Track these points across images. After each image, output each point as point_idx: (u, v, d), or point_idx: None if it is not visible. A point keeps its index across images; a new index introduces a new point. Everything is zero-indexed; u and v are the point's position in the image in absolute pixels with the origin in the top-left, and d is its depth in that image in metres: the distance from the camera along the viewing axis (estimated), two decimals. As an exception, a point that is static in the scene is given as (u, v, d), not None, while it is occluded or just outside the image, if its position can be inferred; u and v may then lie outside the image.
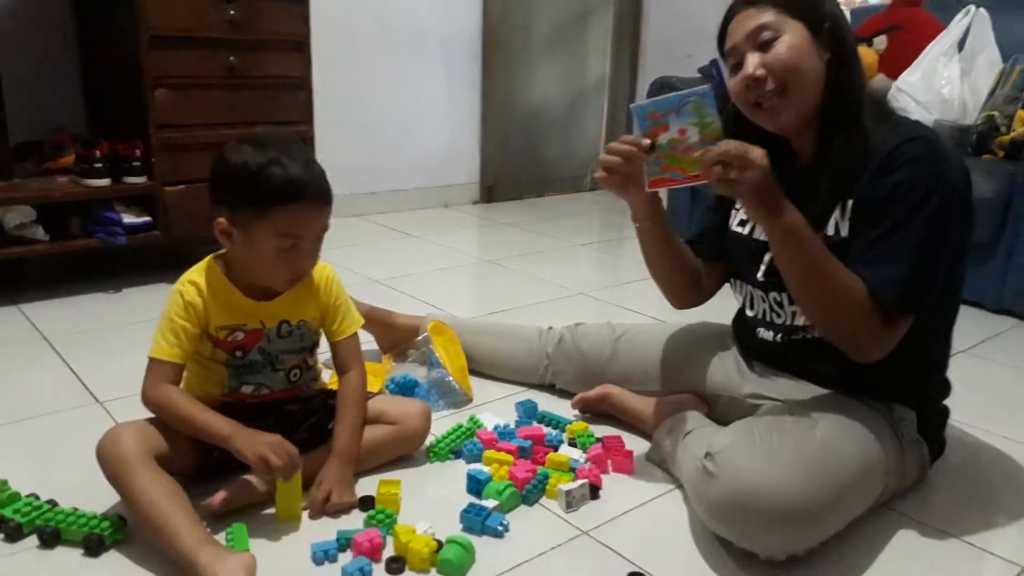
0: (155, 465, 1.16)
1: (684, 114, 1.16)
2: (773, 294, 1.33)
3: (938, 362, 1.36)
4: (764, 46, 1.22)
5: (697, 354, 1.55)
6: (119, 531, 1.16)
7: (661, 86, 3.32)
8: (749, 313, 1.41)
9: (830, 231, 1.23)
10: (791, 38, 1.21)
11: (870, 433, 1.22)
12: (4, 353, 1.86)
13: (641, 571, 1.14)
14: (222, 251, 1.30)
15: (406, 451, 1.41)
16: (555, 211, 3.73)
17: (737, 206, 1.43)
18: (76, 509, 1.19)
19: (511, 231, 3.32)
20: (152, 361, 1.25)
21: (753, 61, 1.22)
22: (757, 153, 1.10)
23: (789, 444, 1.16)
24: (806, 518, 1.11)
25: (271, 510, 1.24)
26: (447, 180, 3.68)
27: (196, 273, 1.28)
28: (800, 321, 1.30)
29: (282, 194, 1.20)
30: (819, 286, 1.17)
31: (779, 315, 1.34)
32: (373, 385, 1.58)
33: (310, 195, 1.22)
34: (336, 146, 3.02)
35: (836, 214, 1.23)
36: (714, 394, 1.50)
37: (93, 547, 1.13)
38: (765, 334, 1.38)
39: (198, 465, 1.28)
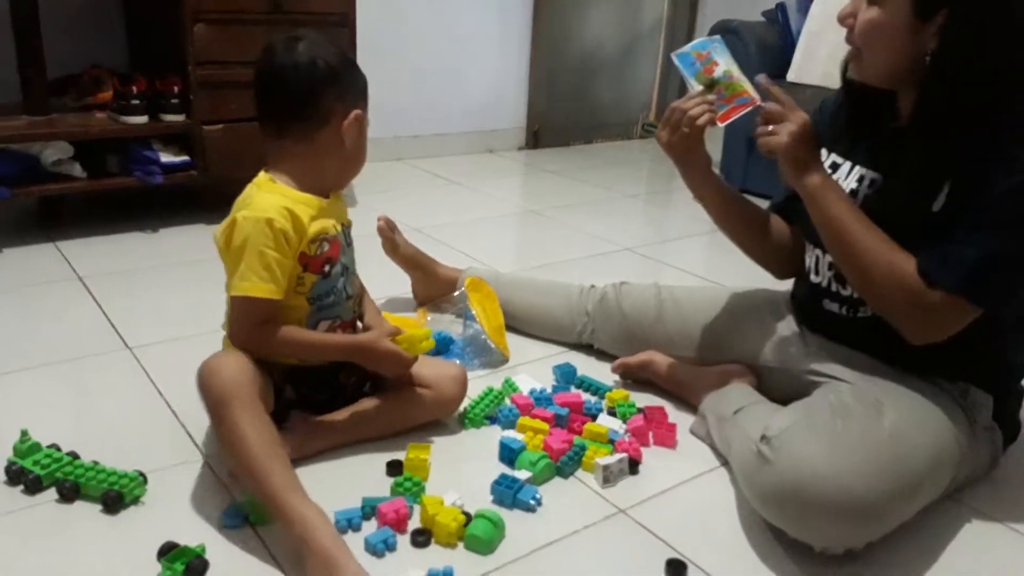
0: (261, 408, 1.09)
1: (716, 52, 1.26)
2: None
3: (1020, 342, 1.24)
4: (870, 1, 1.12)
5: (749, 322, 1.45)
6: (139, 488, 1.13)
7: (722, 30, 3.13)
8: (814, 279, 1.30)
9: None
10: (880, 14, 1.10)
11: (943, 420, 1.12)
12: (38, 291, 1.84)
13: (681, 558, 1.07)
14: (265, 169, 1.22)
15: (440, 416, 1.35)
16: (603, 159, 3.59)
17: (821, 159, 1.32)
18: (96, 463, 1.16)
19: (556, 179, 3.20)
20: (243, 300, 1.14)
21: (847, 8, 1.15)
22: (795, 116, 1.15)
23: (855, 430, 1.06)
24: (870, 511, 1.02)
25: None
26: (492, 125, 3.56)
27: (270, 194, 1.17)
28: None
29: (364, 84, 1.24)
30: (850, 255, 1.14)
31: (845, 286, 1.23)
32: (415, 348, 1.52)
33: None
34: (379, 87, 2.86)
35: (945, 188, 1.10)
36: (766, 366, 1.40)
37: (112, 504, 1.10)
38: (830, 305, 1.27)
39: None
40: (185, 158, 2.27)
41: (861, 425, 1.07)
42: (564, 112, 3.72)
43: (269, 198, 1.17)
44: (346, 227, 1.29)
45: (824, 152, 1.32)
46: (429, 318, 1.75)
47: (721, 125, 1.26)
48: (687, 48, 1.27)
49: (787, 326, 1.40)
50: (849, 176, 1.26)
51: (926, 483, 1.08)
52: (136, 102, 2.17)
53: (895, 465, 1.04)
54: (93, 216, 2.35)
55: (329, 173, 1.24)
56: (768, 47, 3.01)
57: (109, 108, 2.25)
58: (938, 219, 1.09)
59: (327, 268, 1.22)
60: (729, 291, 1.53)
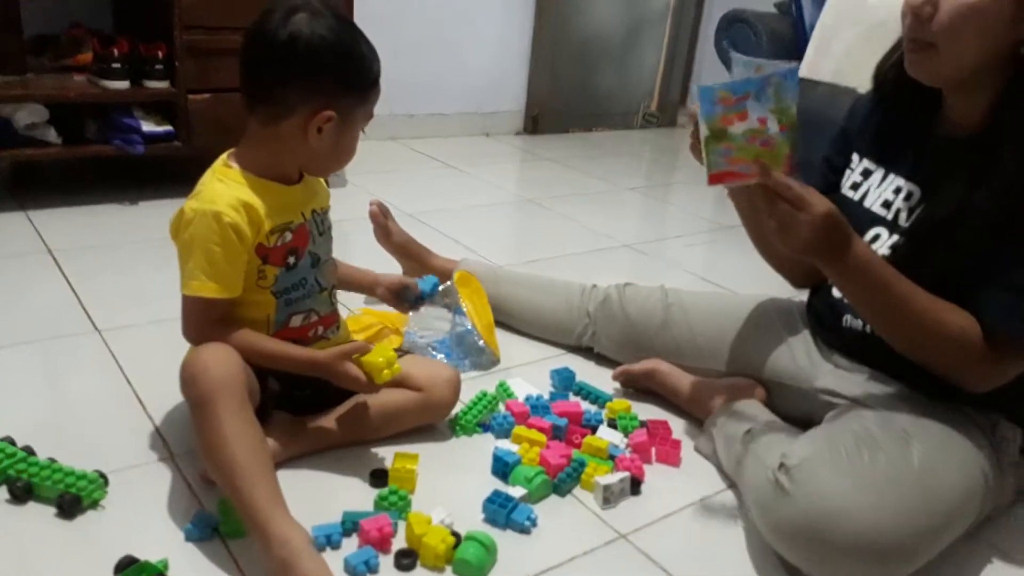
0: (249, 410, 0.99)
1: (764, 99, 0.97)
2: None
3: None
4: None
5: (762, 333, 1.36)
6: (99, 491, 1.03)
7: (731, 20, 3.04)
8: (837, 294, 1.22)
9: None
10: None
11: (972, 453, 1.04)
12: (3, 264, 1.72)
13: (687, 592, 0.99)
14: (229, 150, 1.11)
15: (430, 421, 1.26)
16: (603, 148, 3.49)
17: (852, 165, 1.23)
18: (53, 461, 1.06)
19: (554, 168, 3.10)
20: (192, 300, 1.05)
21: None
22: (817, 201, 0.96)
23: (881, 463, 0.98)
24: (897, 552, 0.94)
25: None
26: (490, 107, 3.44)
27: (222, 182, 1.06)
28: None
29: (373, 69, 1.08)
30: (902, 324, 1.05)
31: None
32: (394, 342, 1.42)
33: (378, 63, 1.10)
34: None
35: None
36: (777, 382, 1.32)
37: (68, 508, 1.00)
38: (853, 322, 1.19)
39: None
40: (168, 128, 2.15)
41: (888, 457, 0.99)
42: (565, 97, 3.60)
43: (220, 188, 1.05)
44: (319, 213, 1.17)
45: (856, 157, 1.23)
46: (411, 314, 1.65)
47: (707, 185, 1.02)
48: (718, 84, 0.98)
49: (802, 340, 1.32)
50: (883, 185, 1.17)
51: (955, 520, 1.01)
52: (117, 66, 2.05)
53: (925, 502, 0.97)
54: (68, 185, 2.23)
55: (291, 165, 1.12)
56: (780, 39, 2.91)
57: (88, 71, 2.12)
58: (989, 243, 1.01)
59: (291, 260, 1.11)
60: (740, 299, 1.45)
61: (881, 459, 0.99)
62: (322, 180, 1.21)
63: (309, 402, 1.19)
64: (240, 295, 1.08)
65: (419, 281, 1.36)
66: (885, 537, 0.93)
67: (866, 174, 1.20)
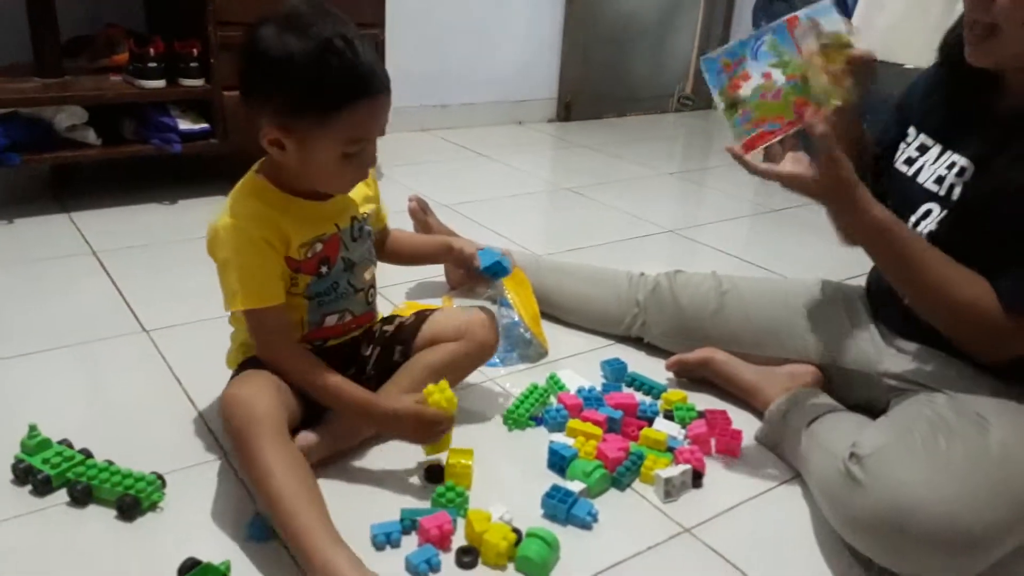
0: (288, 440, 0.98)
1: (762, 56, 0.99)
2: None
3: None
4: None
5: (821, 317, 1.32)
6: (157, 492, 1.03)
7: (759, 7, 2.96)
8: None
9: None
10: None
11: None
12: (51, 267, 1.73)
13: (757, 587, 0.96)
14: (261, 159, 1.10)
15: (477, 365, 1.28)
16: (637, 134, 3.43)
17: (908, 139, 1.19)
18: (110, 463, 1.06)
19: (590, 154, 3.05)
20: (247, 316, 1.06)
21: None
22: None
23: (959, 450, 0.94)
24: (977, 543, 0.90)
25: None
26: (522, 95, 3.40)
27: (250, 198, 1.06)
28: None
29: (347, 94, 0.97)
30: (924, 289, 1.03)
31: None
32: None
33: (376, 86, 0.99)
34: (406, 54, 2.77)
35: None
36: (839, 367, 1.28)
37: (128, 510, 1.00)
38: (916, 305, 1.15)
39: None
40: (204, 125, 2.14)
41: (965, 444, 0.95)
42: (598, 83, 3.55)
43: (249, 204, 1.05)
44: (356, 221, 1.15)
45: (912, 131, 1.19)
46: (455, 303, 1.63)
47: (744, 154, 1.00)
48: (716, 52, 1.01)
49: (864, 324, 1.27)
50: (938, 161, 1.12)
51: None
52: (153, 65, 2.04)
53: (1006, 490, 0.92)
54: (108, 185, 2.23)
55: (310, 181, 1.06)
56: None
57: (125, 71, 2.12)
58: None
59: (323, 269, 1.11)
60: (797, 283, 1.40)
61: (958, 446, 0.95)
62: (370, 179, 1.18)
63: (371, 382, 1.19)
64: None
65: (480, 253, 1.34)
66: (965, 527, 0.89)
67: (922, 149, 1.16)
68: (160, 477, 1.04)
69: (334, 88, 0.97)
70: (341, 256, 1.12)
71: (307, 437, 1.08)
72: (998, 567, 0.95)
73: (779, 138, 1.00)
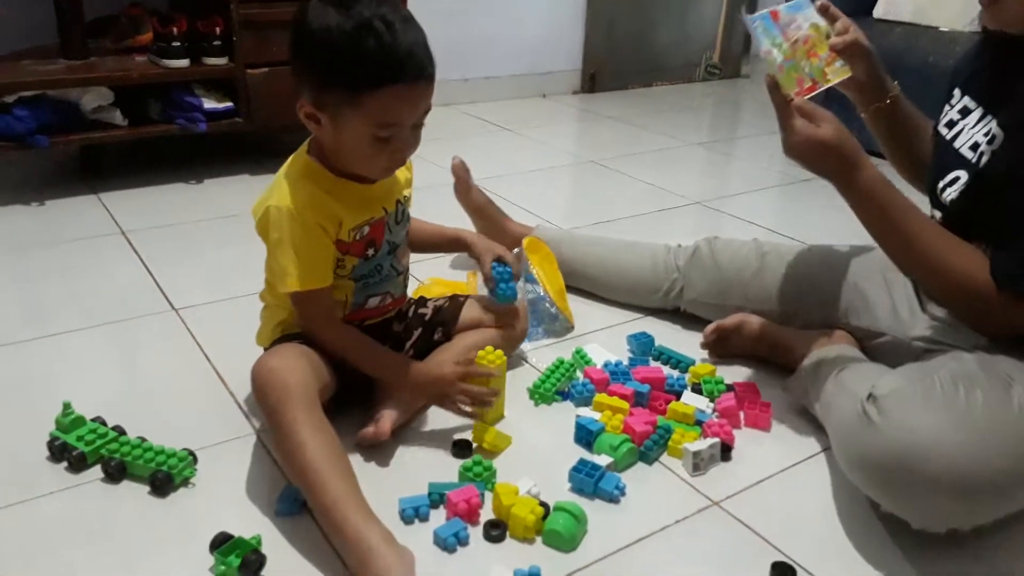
0: (320, 413, 0.99)
1: (761, 36, 1.09)
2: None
3: None
4: None
5: (862, 280, 1.30)
6: (189, 468, 1.04)
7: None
8: None
9: None
10: None
11: None
12: (81, 248, 1.75)
13: (787, 560, 0.95)
14: (310, 138, 1.10)
15: (510, 352, 1.30)
16: (664, 103, 3.38)
17: (952, 101, 1.16)
18: (143, 440, 1.07)
19: (616, 126, 3.02)
20: (296, 297, 1.07)
21: None
22: (827, 121, 1.02)
23: (978, 400, 0.93)
24: (984, 491, 0.90)
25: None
26: (546, 67, 3.36)
27: (305, 185, 1.05)
28: None
29: (378, 76, 0.96)
30: (917, 257, 1.04)
31: None
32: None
33: (412, 74, 0.98)
34: (427, 26, 2.72)
35: None
36: (872, 330, 1.25)
37: (161, 485, 1.01)
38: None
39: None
40: (229, 104, 2.15)
41: (986, 397, 0.93)
42: (623, 52, 3.49)
43: (304, 188, 1.05)
44: (400, 203, 1.15)
45: (957, 93, 1.15)
46: (480, 279, 1.62)
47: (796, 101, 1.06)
48: (761, 12, 1.11)
49: (901, 289, 1.25)
50: (977, 126, 1.09)
51: None
52: (177, 44, 2.05)
53: (1021, 444, 0.91)
54: (135, 166, 2.26)
55: (347, 161, 1.06)
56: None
57: (149, 51, 2.13)
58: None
59: (370, 251, 1.11)
60: (838, 247, 1.38)
61: (978, 396, 0.93)
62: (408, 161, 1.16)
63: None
64: None
65: (498, 286, 1.26)
66: (973, 474, 0.88)
67: (964, 112, 1.13)
68: (192, 453, 1.06)
69: (365, 69, 0.96)
70: (386, 239, 1.13)
71: (390, 414, 1.11)
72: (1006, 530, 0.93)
73: (822, 89, 1.10)
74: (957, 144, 1.11)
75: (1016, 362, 1.01)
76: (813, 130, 1.00)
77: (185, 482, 1.04)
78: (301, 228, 1.04)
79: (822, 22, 1.12)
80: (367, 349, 1.11)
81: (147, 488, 1.03)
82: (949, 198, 1.09)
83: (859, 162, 1.02)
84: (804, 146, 1.01)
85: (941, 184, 1.12)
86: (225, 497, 1.02)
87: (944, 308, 1.10)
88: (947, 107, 1.16)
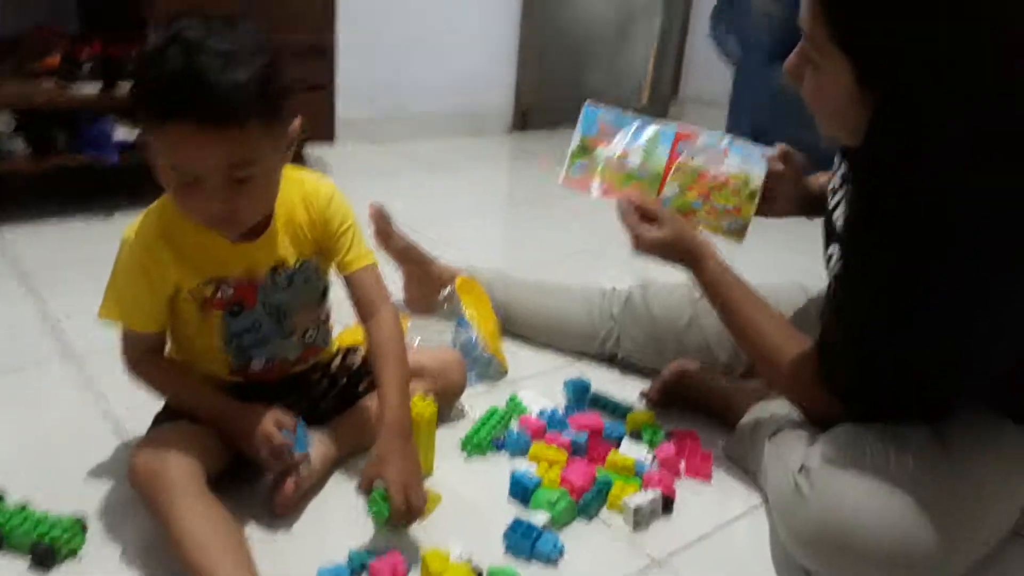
0: (205, 497, 0.90)
1: (638, 137, 1.20)
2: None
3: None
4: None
5: (796, 322, 1.27)
6: (76, 538, 0.92)
7: (720, 9, 2.95)
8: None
9: None
10: (820, 78, 0.92)
11: (1013, 446, 0.94)
12: (-29, 287, 1.61)
13: (734, 624, 0.90)
14: None
15: (446, 406, 1.23)
16: (595, 144, 3.39)
17: (834, 166, 1.14)
18: (26, 506, 0.95)
19: (548, 164, 3.00)
20: (123, 332, 1.02)
21: (792, 59, 0.96)
22: (668, 221, 1.11)
23: (908, 463, 0.90)
24: (920, 563, 0.86)
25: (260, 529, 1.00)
26: (478, 105, 3.34)
27: (151, 220, 0.98)
28: None
29: (159, 108, 0.83)
30: (748, 344, 1.09)
31: None
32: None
33: (200, 112, 0.82)
34: (359, 63, 2.69)
35: None
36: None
37: (43, 559, 0.90)
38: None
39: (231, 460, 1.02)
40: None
41: (916, 455, 0.91)
42: (555, 91, 3.50)
43: (149, 223, 0.98)
44: (282, 268, 1.02)
45: (837, 158, 1.14)
46: (410, 323, 1.53)
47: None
48: (602, 109, 1.25)
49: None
50: (840, 208, 1.08)
51: (992, 521, 0.92)
52: (87, 68, 1.93)
53: (956, 502, 0.88)
54: (38, 198, 2.10)
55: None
56: (774, 23, 2.82)
57: (57, 75, 2.00)
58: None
59: (235, 308, 1.01)
60: (771, 289, 1.35)
61: (907, 459, 0.90)
62: (316, 222, 1.05)
63: (327, 415, 1.13)
64: (188, 325, 1.02)
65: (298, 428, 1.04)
66: (904, 546, 0.86)
67: (844, 180, 1.10)
68: (81, 521, 0.94)
69: (151, 97, 0.85)
70: (261, 301, 1.03)
71: (287, 484, 1.00)
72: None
73: (583, 192, 1.21)
74: (836, 215, 1.09)
75: (951, 421, 0.97)
76: (654, 232, 1.10)
77: (72, 555, 0.92)
78: (128, 261, 0.98)
79: (758, 180, 1.15)
80: (192, 395, 1.02)
81: (27, 562, 0.90)
82: (832, 272, 1.07)
83: (701, 255, 1.10)
84: (647, 246, 1.11)
85: (826, 255, 1.11)
86: (115, 572, 0.91)
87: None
88: (832, 175, 1.14)
